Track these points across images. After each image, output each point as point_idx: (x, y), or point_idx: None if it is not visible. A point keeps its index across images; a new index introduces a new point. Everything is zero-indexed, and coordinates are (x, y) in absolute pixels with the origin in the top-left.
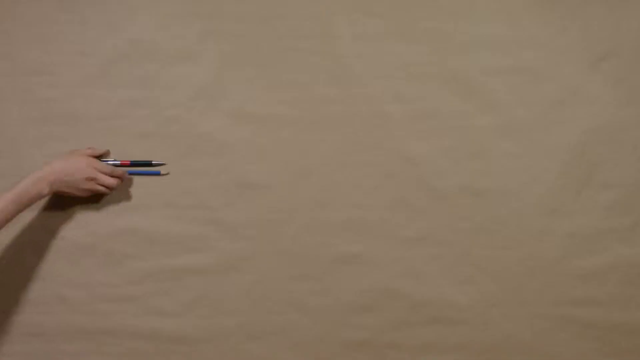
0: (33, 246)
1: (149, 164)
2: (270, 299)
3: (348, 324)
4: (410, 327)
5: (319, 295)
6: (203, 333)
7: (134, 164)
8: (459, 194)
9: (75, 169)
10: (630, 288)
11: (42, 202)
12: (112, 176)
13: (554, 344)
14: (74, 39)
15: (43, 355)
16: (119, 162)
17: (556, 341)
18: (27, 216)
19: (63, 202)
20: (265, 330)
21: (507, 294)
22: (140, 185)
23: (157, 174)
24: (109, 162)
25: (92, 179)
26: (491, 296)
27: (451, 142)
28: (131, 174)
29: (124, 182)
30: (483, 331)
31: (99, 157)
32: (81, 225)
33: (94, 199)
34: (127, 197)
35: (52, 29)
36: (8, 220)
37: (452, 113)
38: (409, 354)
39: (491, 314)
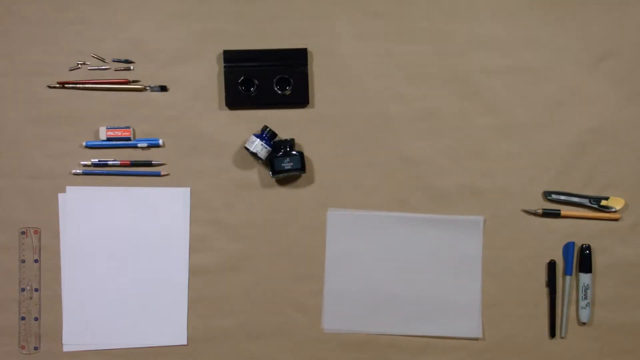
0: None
1: (149, 164)
2: (270, 299)
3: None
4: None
5: (319, 295)
6: (203, 333)
7: (134, 164)
8: (459, 194)
9: None
10: (630, 288)
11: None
12: None
13: (554, 344)
14: (74, 39)
15: None
16: (119, 162)
17: (556, 341)
18: None
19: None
20: (265, 330)
21: (507, 294)
22: (140, 185)
23: (158, 174)
24: (108, 162)
25: None
26: (491, 296)
27: (451, 142)
28: (131, 174)
29: (125, 182)
30: (483, 331)
31: None
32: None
33: None
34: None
35: (52, 29)
36: None
37: (452, 113)
38: (409, 354)
39: (491, 314)
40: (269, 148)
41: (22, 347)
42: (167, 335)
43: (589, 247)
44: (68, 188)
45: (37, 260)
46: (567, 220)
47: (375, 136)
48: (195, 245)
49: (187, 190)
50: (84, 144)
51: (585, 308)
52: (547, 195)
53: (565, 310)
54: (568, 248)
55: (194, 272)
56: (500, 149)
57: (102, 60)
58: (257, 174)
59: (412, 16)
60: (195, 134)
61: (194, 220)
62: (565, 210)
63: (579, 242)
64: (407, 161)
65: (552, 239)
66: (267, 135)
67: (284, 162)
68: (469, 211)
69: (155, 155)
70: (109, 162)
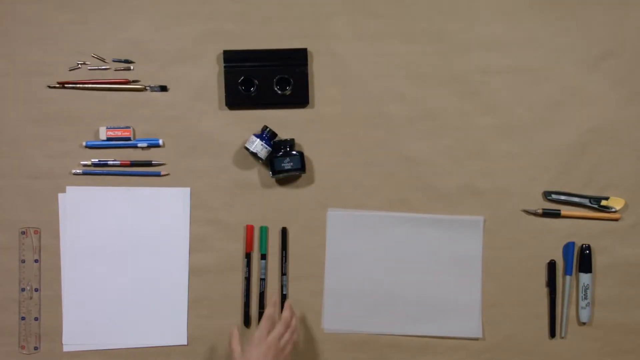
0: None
1: (149, 164)
2: (270, 299)
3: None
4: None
5: (319, 295)
6: (203, 333)
7: (134, 164)
8: (459, 194)
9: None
10: (630, 288)
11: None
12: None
13: (554, 344)
14: (74, 39)
15: None
16: (119, 162)
17: (556, 341)
18: None
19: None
20: None
21: (507, 294)
22: (140, 185)
23: (158, 174)
24: (108, 162)
25: (280, 351)
26: (491, 296)
27: (451, 142)
28: (131, 174)
29: (125, 182)
30: (483, 331)
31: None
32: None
33: None
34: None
35: (52, 29)
36: None
37: (452, 113)
38: (409, 354)
39: (491, 314)
40: (269, 148)
41: (22, 347)
42: (167, 335)
43: (589, 247)
44: (68, 188)
45: (37, 260)
46: (567, 220)
47: (375, 136)
48: (195, 245)
49: (187, 190)
50: (84, 144)
51: (585, 308)
52: (547, 195)
53: (565, 310)
54: (568, 248)
55: (194, 272)
56: (500, 149)
57: (102, 60)
58: (257, 174)
59: (412, 16)
60: (195, 134)
61: (194, 220)
62: (565, 210)
63: (579, 242)
64: (407, 161)
65: (552, 239)
66: (267, 135)
67: (284, 162)
68: (469, 211)
69: (155, 155)
70: (109, 162)
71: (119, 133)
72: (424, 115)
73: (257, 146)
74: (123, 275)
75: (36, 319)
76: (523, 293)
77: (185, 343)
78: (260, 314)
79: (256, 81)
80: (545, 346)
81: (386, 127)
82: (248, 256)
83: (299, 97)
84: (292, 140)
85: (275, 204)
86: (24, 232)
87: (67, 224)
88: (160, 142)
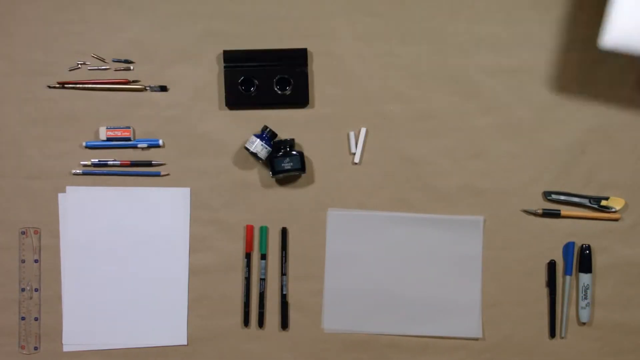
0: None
1: (149, 164)
2: (270, 299)
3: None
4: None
5: (319, 295)
6: (203, 333)
7: (134, 164)
8: (459, 194)
9: None
10: (630, 288)
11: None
12: None
13: (554, 344)
14: (74, 39)
15: None
16: (119, 162)
17: (556, 341)
18: None
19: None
20: (265, 330)
21: (507, 294)
22: (140, 185)
23: (157, 174)
24: (108, 162)
25: None
26: (491, 296)
27: (451, 142)
28: (131, 174)
29: (125, 182)
30: (483, 331)
31: None
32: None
33: None
34: None
35: (52, 29)
36: None
37: (452, 113)
38: (409, 354)
39: (491, 314)
40: (269, 148)
41: (22, 347)
42: (167, 335)
43: (589, 247)
44: (68, 188)
45: (37, 260)
46: (567, 220)
47: (375, 136)
48: (195, 245)
49: (187, 190)
50: (84, 144)
51: (585, 308)
52: (547, 195)
53: (565, 310)
54: (568, 248)
55: (194, 272)
56: (500, 149)
57: (102, 60)
58: (257, 174)
59: (412, 16)
60: (195, 134)
61: (194, 220)
62: (565, 210)
63: (579, 242)
64: (407, 161)
65: (552, 239)
66: (267, 135)
67: (284, 162)
68: (469, 211)
69: (155, 155)
70: (109, 162)
71: (119, 133)
72: (424, 115)
73: (257, 146)
74: (123, 275)
75: (36, 319)
76: (523, 293)
77: (185, 343)
78: (260, 314)
79: (256, 81)
80: (545, 346)
81: (386, 127)
82: (248, 256)
83: (299, 97)
84: (292, 140)
85: (275, 204)
86: (24, 232)
87: (67, 224)
88: (160, 142)
